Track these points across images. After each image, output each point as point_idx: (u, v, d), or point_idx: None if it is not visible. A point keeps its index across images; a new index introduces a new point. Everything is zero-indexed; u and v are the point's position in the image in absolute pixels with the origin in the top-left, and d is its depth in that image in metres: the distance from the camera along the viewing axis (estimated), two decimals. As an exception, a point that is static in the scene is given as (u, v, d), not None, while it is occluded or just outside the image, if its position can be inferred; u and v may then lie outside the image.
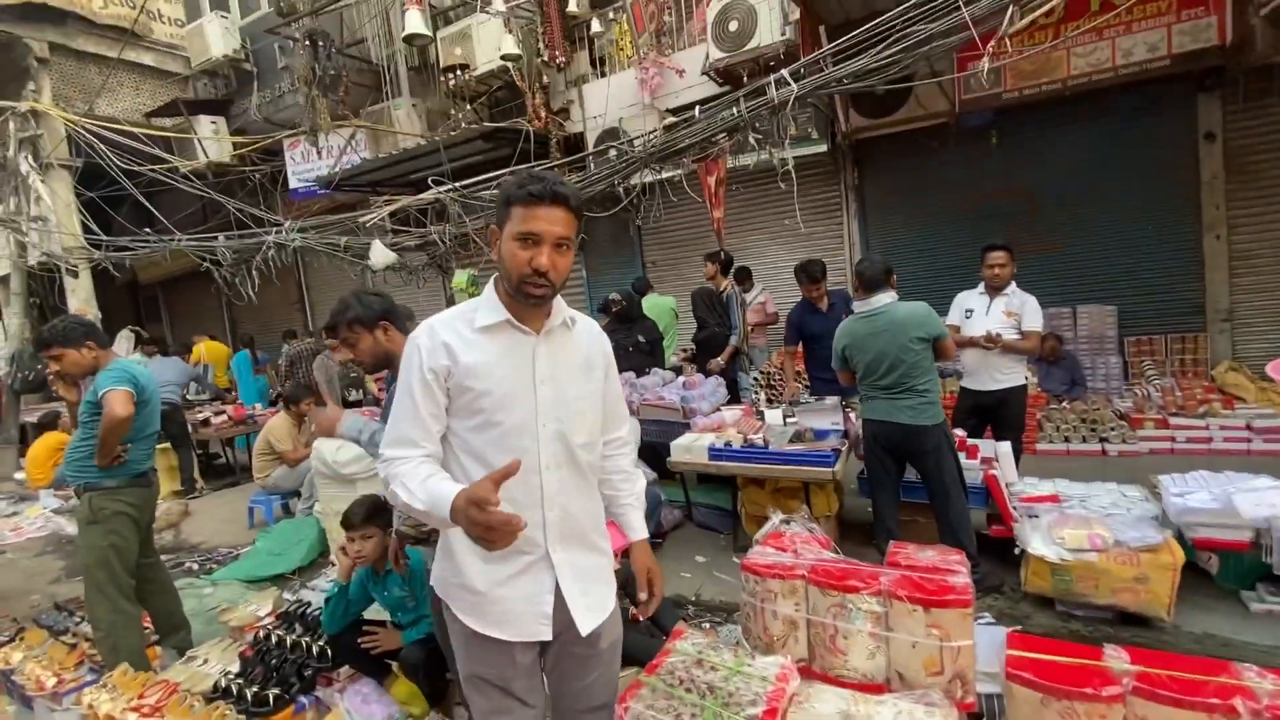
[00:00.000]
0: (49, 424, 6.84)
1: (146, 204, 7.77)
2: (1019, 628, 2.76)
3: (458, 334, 1.39)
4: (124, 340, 7.99)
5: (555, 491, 1.44)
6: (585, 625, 1.48)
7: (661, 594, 1.68)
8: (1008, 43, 3.01)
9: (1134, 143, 5.81)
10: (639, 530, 1.69)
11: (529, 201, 1.32)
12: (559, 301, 1.46)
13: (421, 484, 1.30)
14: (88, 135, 7.70)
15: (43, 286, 8.58)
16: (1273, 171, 5.43)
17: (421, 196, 5.55)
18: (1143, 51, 5.12)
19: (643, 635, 2.66)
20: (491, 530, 1.17)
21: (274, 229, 6.60)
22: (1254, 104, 5.32)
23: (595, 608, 1.52)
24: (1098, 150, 5.93)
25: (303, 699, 2.52)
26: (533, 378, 1.41)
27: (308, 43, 6.92)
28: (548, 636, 1.46)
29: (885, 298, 3.23)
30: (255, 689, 2.48)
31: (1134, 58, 5.15)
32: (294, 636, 2.79)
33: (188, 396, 7.33)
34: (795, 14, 5.49)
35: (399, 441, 1.40)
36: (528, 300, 1.36)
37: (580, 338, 1.52)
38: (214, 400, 7.91)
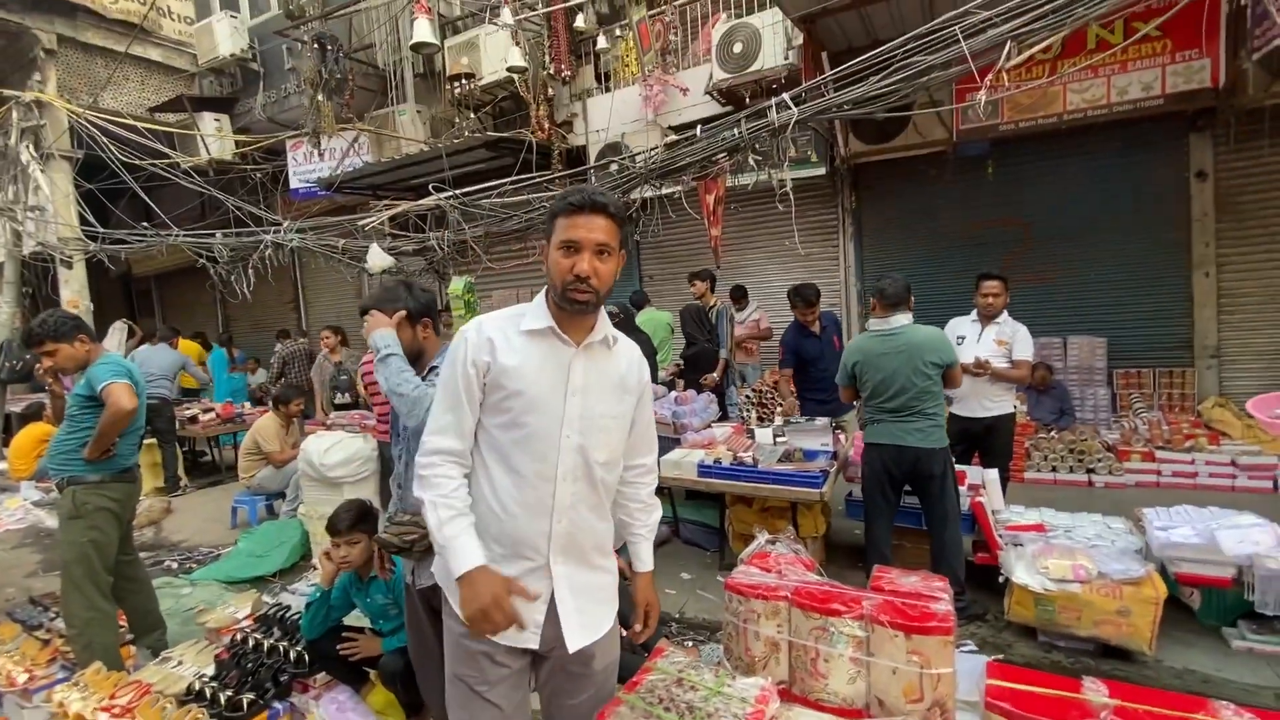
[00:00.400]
0: (34, 415, 6.78)
1: (145, 198, 7.75)
2: (1000, 657, 2.76)
3: (503, 333, 1.44)
4: (116, 333, 7.93)
5: (568, 504, 1.45)
6: (574, 642, 1.47)
7: (655, 627, 1.70)
8: (1005, 77, 3.07)
9: (1127, 178, 5.91)
10: (646, 563, 1.71)
11: (570, 211, 1.38)
12: (603, 319, 1.49)
13: (451, 521, 1.40)
14: (90, 127, 7.71)
15: (36, 276, 8.54)
16: (1262, 212, 5.53)
17: (422, 202, 5.57)
18: (1137, 90, 5.22)
19: (624, 651, 2.64)
20: (490, 621, 1.34)
21: (272, 228, 6.59)
22: (1245, 145, 5.43)
23: (589, 626, 1.51)
24: (1091, 184, 6.02)
25: (277, 705, 2.48)
26: (565, 387, 1.44)
27: (316, 46, 6.97)
28: (534, 645, 1.46)
29: (903, 319, 3.22)
30: (229, 693, 2.44)
31: (1129, 96, 5.25)
32: (271, 640, 2.75)
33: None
34: (799, 39, 5.59)
35: (441, 431, 1.45)
36: (572, 306, 1.40)
37: (619, 358, 1.53)
38: (192, 396, 7.84)
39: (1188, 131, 5.64)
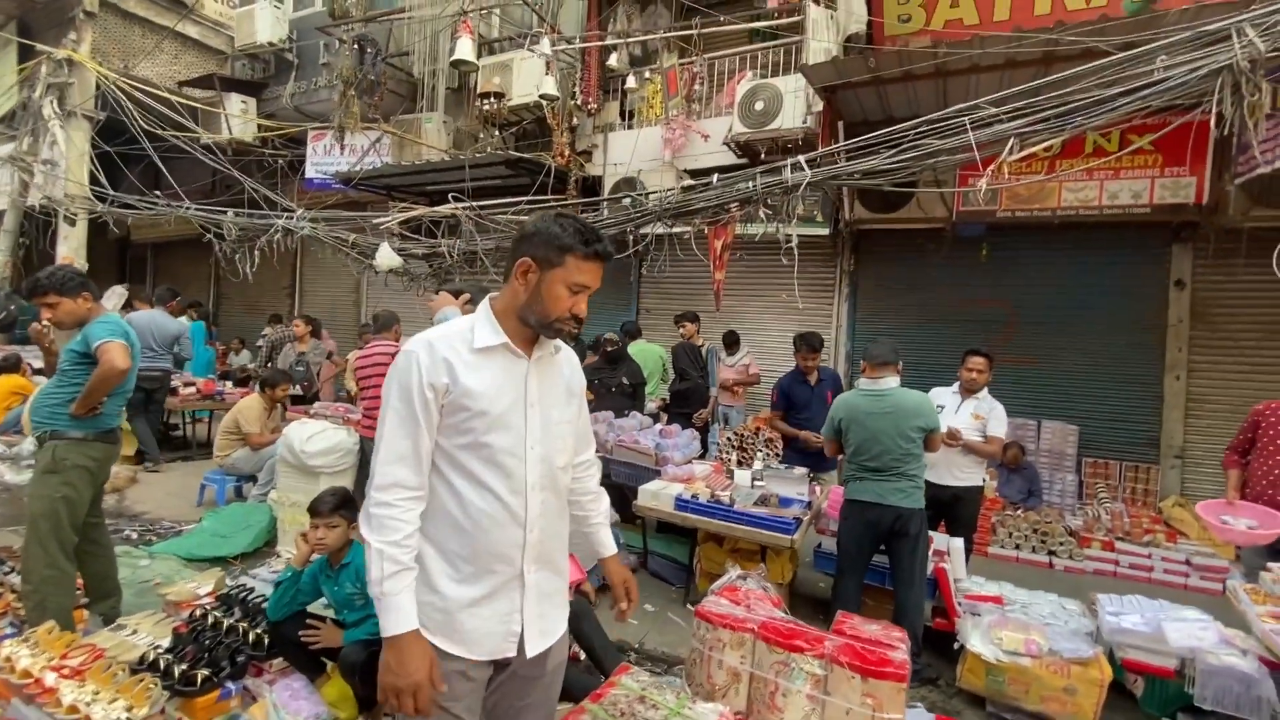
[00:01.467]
0: (10, 367, 6.65)
1: (161, 167, 7.82)
2: (949, 721, 2.81)
3: (457, 353, 1.42)
4: (114, 296, 7.87)
5: (538, 513, 1.49)
6: (534, 648, 1.50)
7: (637, 600, 1.73)
8: (1006, 169, 3.28)
9: (1110, 278, 6.20)
10: (611, 546, 1.76)
11: (591, 258, 1.45)
12: None
13: (394, 577, 1.34)
14: (117, 92, 7.80)
15: (35, 229, 8.49)
16: (1233, 324, 5.82)
17: (440, 209, 5.70)
18: (1127, 197, 5.54)
19: (580, 673, 2.66)
20: (403, 704, 1.32)
21: (285, 213, 6.67)
22: (1222, 260, 5.73)
23: (548, 631, 1.54)
24: (1077, 278, 6.31)
25: (230, 685, 2.46)
26: (524, 401, 1.47)
27: (355, 46, 7.17)
28: (512, 654, 1.48)
29: (892, 381, 3.34)
30: (184, 667, 2.42)
31: (1119, 201, 5.57)
32: (232, 620, 2.73)
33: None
34: (818, 106, 5.88)
35: (399, 459, 1.39)
36: (556, 337, 1.50)
37: (562, 365, 1.61)
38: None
39: (1171, 241, 5.97)
